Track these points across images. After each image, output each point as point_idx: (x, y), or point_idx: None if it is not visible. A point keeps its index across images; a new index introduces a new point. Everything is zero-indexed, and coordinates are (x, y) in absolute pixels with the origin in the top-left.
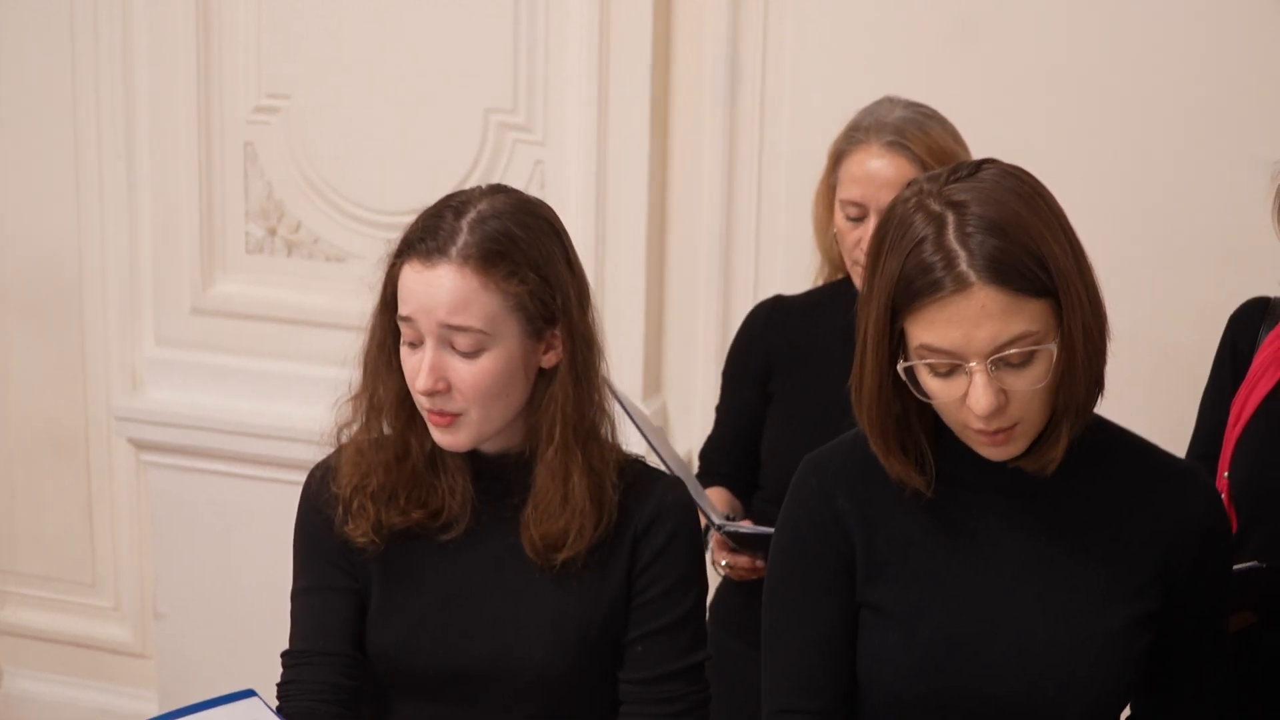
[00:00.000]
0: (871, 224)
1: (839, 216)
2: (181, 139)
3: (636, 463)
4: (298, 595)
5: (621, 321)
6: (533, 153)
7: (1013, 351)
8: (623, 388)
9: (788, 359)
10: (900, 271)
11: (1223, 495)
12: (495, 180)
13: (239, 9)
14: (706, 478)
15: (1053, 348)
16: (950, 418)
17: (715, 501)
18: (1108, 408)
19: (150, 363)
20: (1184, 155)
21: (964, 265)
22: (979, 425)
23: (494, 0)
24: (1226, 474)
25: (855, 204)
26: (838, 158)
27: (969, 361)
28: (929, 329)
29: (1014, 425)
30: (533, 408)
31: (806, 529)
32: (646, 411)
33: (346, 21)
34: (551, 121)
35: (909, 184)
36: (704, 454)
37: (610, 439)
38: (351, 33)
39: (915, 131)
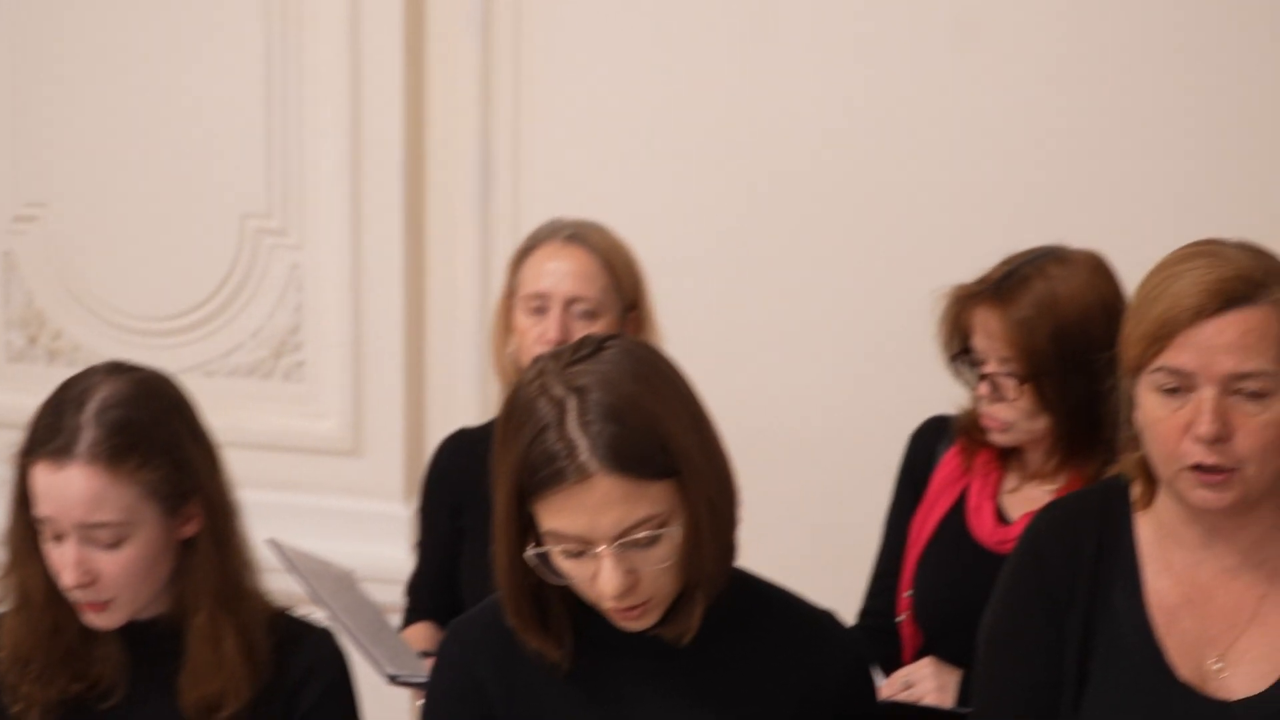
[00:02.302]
0: (554, 316)
1: (520, 316)
2: None
3: (284, 616)
4: None
5: (379, 421)
6: (289, 256)
7: (638, 535)
8: (385, 487)
9: (475, 493)
10: (525, 458)
11: (906, 613)
12: (252, 285)
13: None
14: (413, 614)
15: (678, 529)
16: (585, 595)
17: (419, 638)
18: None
19: None
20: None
21: (585, 455)
22: (610, 604)
23: (246, 105)
24: (909, 593)
25: (538, 295)
26: (518, 262)
27: (596, 546)
28: (556, 516)
29: (647, 600)
30: (178, 575)
31: (449, 698)
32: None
33: (101, 129)
34: (307, 225)
35: (534, 361)
36: (409, 590)
37: (257, 592)
38: (107, 140)
39: (590, 230)
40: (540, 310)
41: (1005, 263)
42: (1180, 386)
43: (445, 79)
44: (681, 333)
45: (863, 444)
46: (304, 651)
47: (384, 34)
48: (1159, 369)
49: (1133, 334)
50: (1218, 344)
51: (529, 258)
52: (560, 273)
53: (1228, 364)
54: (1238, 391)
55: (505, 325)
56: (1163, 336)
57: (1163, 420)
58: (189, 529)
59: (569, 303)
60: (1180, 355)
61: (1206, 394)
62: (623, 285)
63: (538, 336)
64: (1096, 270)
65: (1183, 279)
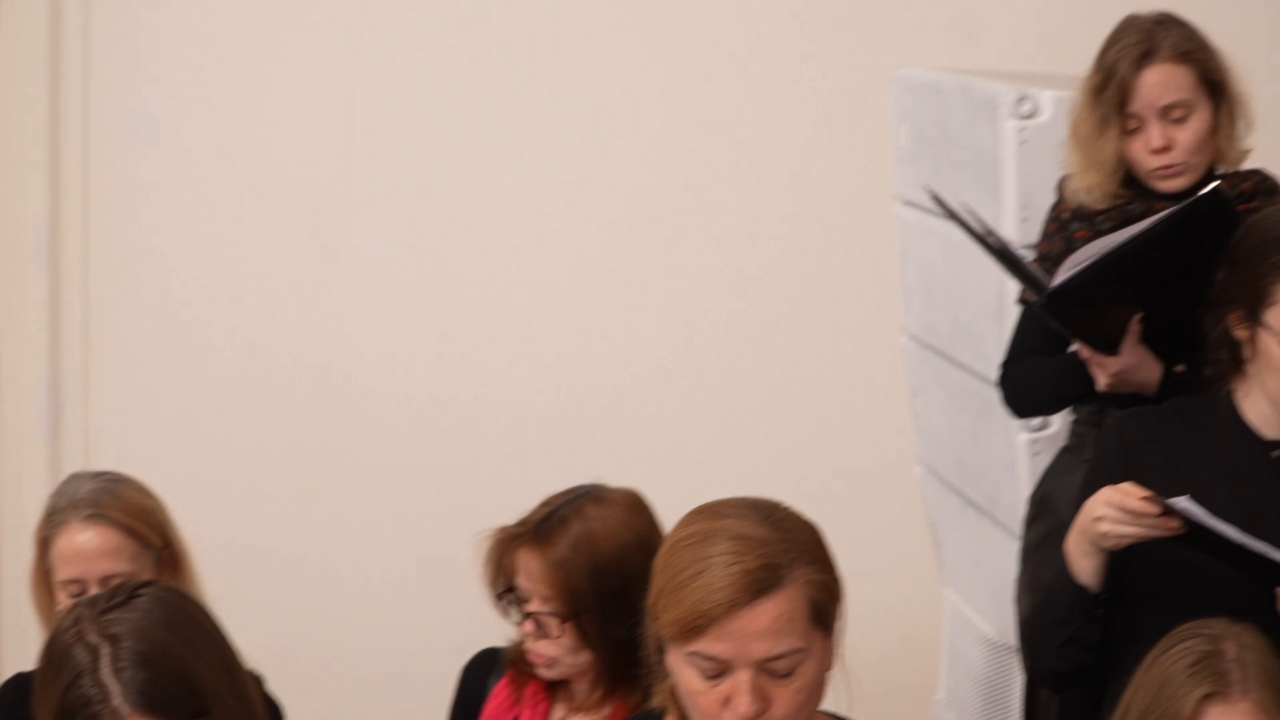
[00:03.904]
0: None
1: (61, 597)
2: None
3: None
4: None
5: None
6: None
7: None
8: None
9: None
10: (62, 703)
11: None
12: None
13: None
14: None
15: None
16: None
17: None
18: None
19: None
20: None
21: (117, 700)
22: None
23: None
24: None
25: (75, 581)
26: (45, 543)
27: None
28: None
29: None
30: None
31: None
32: None
33: None
34: None
35: (72, 608)
36: None
37: None
38: None
39: (108, 499)
40: (81, 593)
41: (545, 504)
42: (717, 666)
43: (12, 308)
44: (250, 560)
45: (419, 675)
46: None
47: None
48: (694, 653)
49: (664, 615)
50: (750, 632)
51: (55, 542)
52: (89, 556)
53: (761, 649)
54: (771, 670)
55: (45, 590)
56: (697, 627)
57: (702, 694)
58: None
59: (104, 580)
60: (716, 645)
61: (743, 676)
62: (150, 540)
63: None
64: (633, 508)
65: (712, 570)
